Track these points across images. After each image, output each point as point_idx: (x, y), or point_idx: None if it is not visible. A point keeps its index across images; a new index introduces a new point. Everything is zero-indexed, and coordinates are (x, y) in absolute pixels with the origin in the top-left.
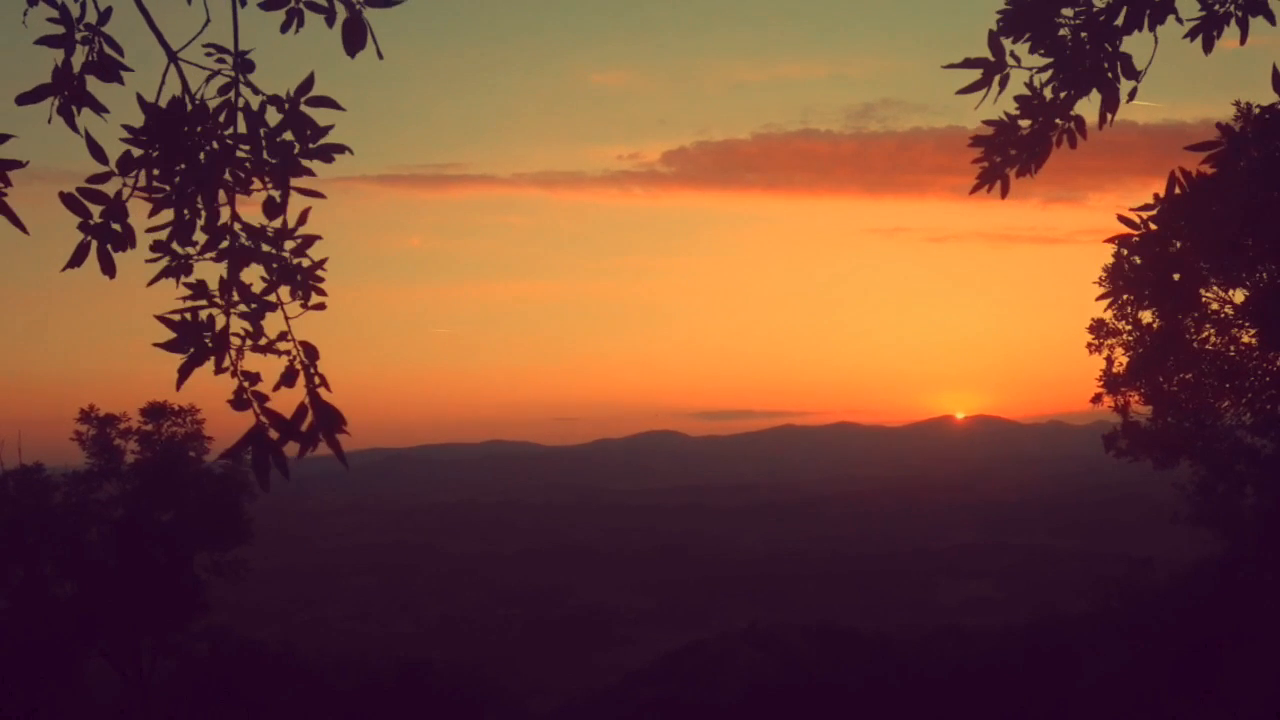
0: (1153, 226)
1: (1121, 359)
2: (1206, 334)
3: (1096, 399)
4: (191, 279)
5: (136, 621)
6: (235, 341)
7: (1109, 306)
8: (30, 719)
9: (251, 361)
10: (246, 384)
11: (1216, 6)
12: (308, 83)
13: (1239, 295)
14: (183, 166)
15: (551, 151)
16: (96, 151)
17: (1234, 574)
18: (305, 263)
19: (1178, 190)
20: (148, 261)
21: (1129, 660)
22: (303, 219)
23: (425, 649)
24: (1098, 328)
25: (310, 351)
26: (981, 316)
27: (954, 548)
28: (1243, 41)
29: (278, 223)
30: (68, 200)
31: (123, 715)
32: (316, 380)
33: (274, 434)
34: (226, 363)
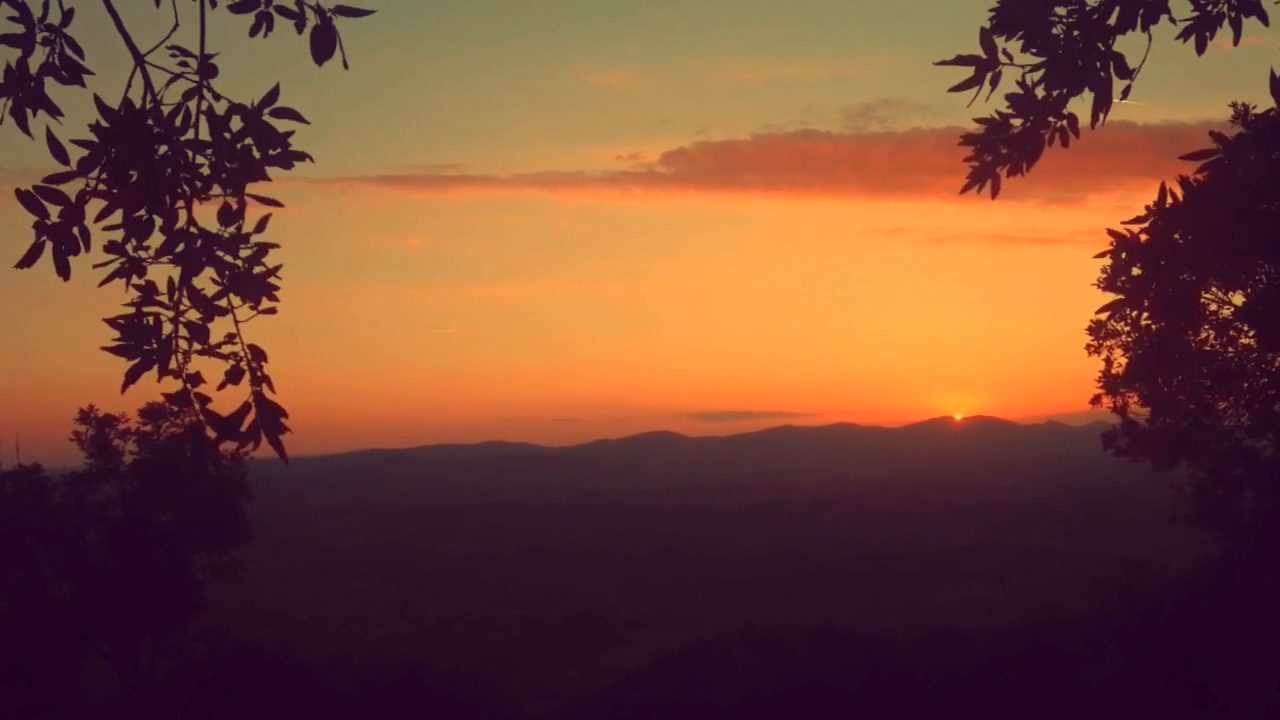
0: (1144, 239)
1: (1120, 360)
2: (1205, 335)
3: (1096, 400)
4: (143, 281)
5: (135, 621)
6: (183, 345)
7: (1111, 317)
8: (29, 718)
9: (198, 364)
10: (189, 385)
11: (1209, 7)
12: (273, 93)
13: (1238, 298)
14: (134, 174)
15: (551, 152)
16: (58, 150)
17: (1232, 576)
18: (260, 270)
19: (1169, 202)
20: (96, 266)
21: (1126, 662)
22: (260, 227)
23: (423, 650)
24: (1096, 329)
25: (257, 354)
26: (980, 317)
27: (951, 549)
28: (1235, 42)
29: (234, 229)
30: (24, 198)
31: (120, 715)
32: (262, 381)
33: (211, 433)
34: (173, 365)
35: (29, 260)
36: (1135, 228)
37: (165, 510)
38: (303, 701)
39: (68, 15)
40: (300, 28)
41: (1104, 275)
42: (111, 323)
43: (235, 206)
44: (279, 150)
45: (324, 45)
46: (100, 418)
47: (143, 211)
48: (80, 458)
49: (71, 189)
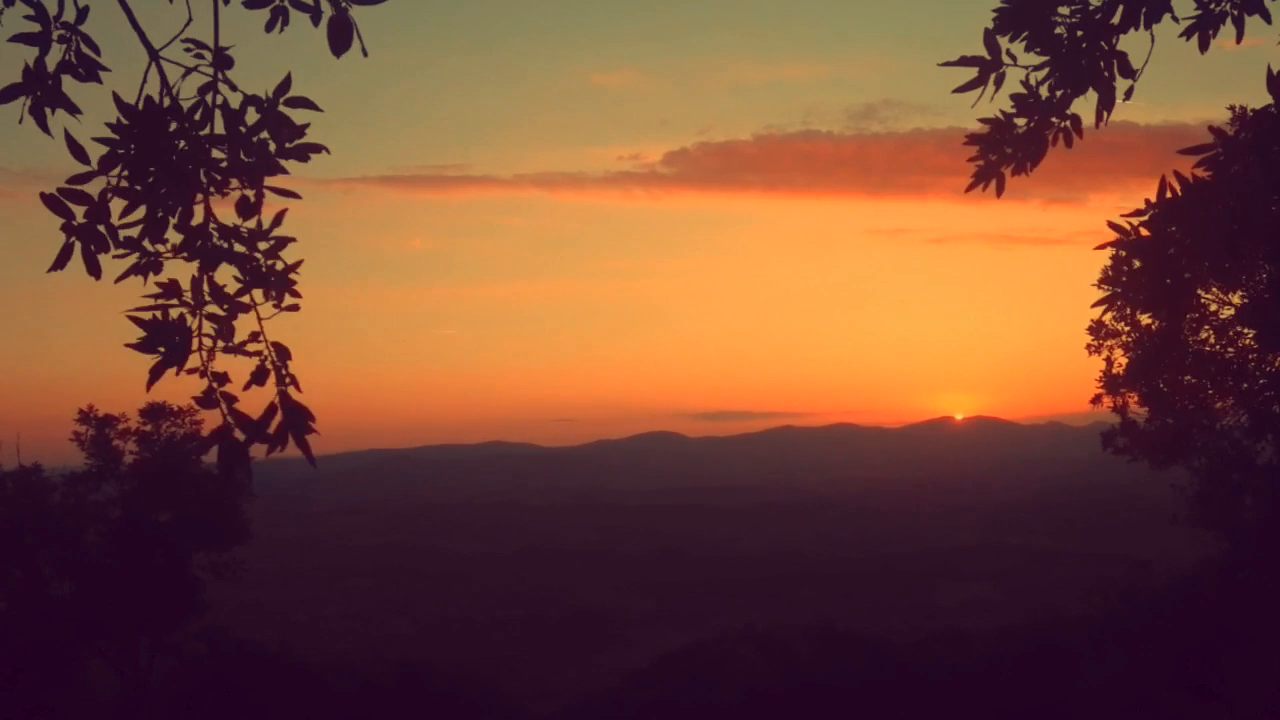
0: (1144, 232)
1: (1121, 360)
2: (1205, 335)
3: (1096, 400)
4: (162, 277)
5: (135, 621)
6: (207, 343)
7: (1105, 312)
8: (30, 719)
9: (222, 362)
10: (215, 384)
11: (1212, 5)
12: (286, 83)
13: (1237, 298)
14: (154, 169)
15: (553, 152)
16: (77, 150)
17: (1233, 576)
18: (279, 265)
19: (1168, 195)
20: (115, 257)
21: (1128, 662)
22: (278, 220)
23: (424, 650)
24: (1097, 329)
25: (282, 352)
26: (981, 317)
27: (953, 549)
28: (1238, 40)
29: (252, 223)
30: (49, 201)
31: (121, 715)
32: (287, 380)
33: (240, 435)
34: (197, 363)
35: (60, 263)
36: (1135, 220)
37: (165, 510)
38: (304, 701)
39: (83, 12)
40: (316, 20)
41: (1105, 274)
42: (135, 319)
43: (253, 199)
44: (295, 142)
45: (341, 36)
46: (100, 418)
47: (160, 210)
48: (80, 458)
49: (93, 187)
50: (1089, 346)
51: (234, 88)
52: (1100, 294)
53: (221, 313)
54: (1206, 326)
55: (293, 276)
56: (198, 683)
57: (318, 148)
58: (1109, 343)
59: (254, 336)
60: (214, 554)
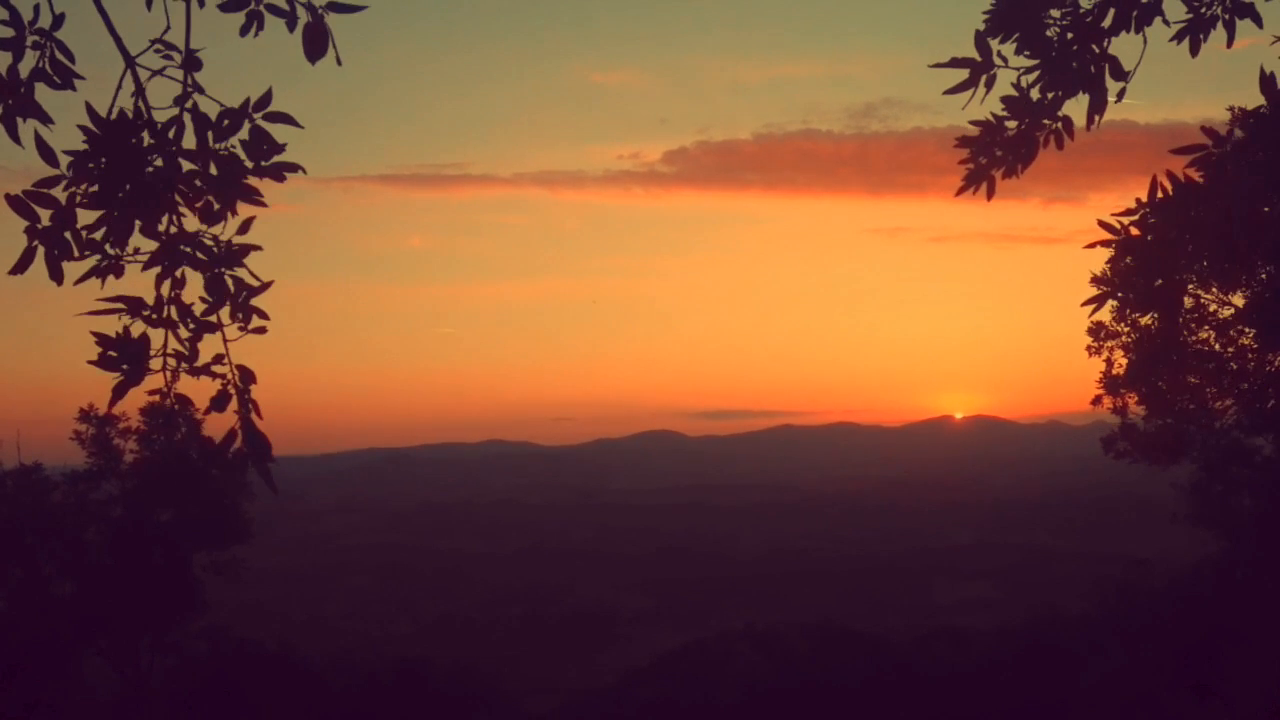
0: (1134, 231)
1: (1121, 361)
2: (1205, 335)
3: (1096, 401)
4: (123, 283)
5: (135, 621)
6: (170, 363)
7: (1095, 311)
8: (30, 717)
9: (188, 383)
10: (178, 407)
11: (1203, 9)
12: (266, 97)
13: (1238, 298)
14: (127, 186)
15: (552, 151)
16: (47, 154)
17: (1232, 574)
18: (244, 275)
19: (1160, 195)
20: (80, 257)
21: (1127, 660)
22: (244, 228)
23: (423, 648)
24: (1097, 330)
25: (246, 376)
26: (981, 316)
27: (952, 548)
28: (1229, 44)
29: (217, 229)
30: (13, 202)
31: (121, 714)
32: (249, 406)
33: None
34: (161, 384)
35: (21, 266)
36: (1126, 220)
37: (166, 509)
38: (304, 699)
39: (58, 19)
40: (291, 26)
41: (1104, 273)
42: (100, 337)
43: (217, 206)
44: (271, 160)
45: (316, 43)
46: (101, 417)
47: (126, 220)
48: (81, 457)
49: (63, 192)
50: (1089, 348)
51: (202, 91)
52: (1094, 293)
53: (187, 333)
54: (1206, 326)
55: (255, 304)
56: (198, 682)
57: (293, 167)
58: (1109, 344)
59: (218, 359)
60: (214, 553)
